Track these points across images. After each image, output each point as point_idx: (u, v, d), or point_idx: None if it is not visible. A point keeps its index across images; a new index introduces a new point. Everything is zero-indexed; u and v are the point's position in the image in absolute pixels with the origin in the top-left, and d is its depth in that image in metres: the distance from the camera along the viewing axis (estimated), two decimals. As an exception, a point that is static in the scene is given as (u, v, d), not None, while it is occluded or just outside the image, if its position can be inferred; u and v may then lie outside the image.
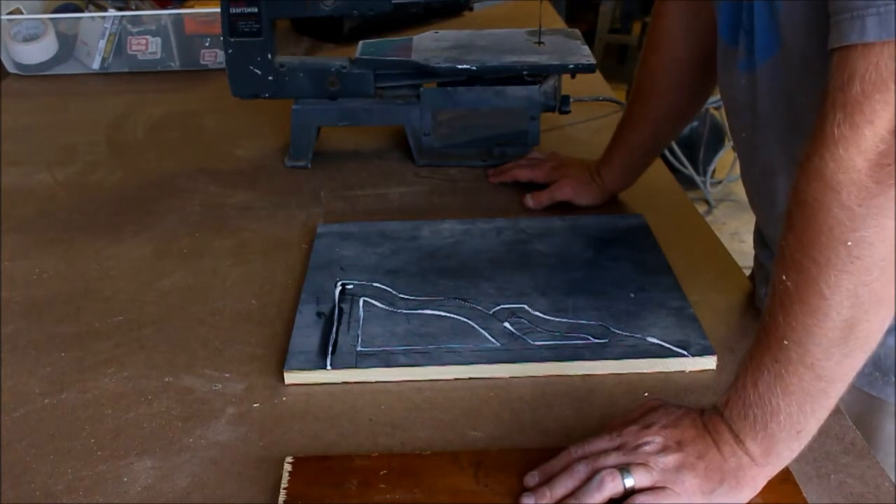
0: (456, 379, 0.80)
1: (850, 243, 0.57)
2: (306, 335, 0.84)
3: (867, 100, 0.56)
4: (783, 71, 0.74)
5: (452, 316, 0.87)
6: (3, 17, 1.64)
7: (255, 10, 1.16)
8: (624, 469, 0.63)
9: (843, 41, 0.58)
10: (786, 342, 0.61)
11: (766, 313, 0.63)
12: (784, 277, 0.61)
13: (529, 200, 1.10)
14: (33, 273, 0.99)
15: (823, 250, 0.58)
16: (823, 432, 0.65)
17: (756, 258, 0.94)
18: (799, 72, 0.72)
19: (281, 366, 0.81)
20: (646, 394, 0.77)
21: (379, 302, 0.89)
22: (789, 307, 0.60)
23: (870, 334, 0.60)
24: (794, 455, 0.63)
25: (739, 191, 3.19)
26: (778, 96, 0.75)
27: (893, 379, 0.78)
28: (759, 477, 0.63)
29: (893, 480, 0.68)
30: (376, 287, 0.92)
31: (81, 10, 1.72)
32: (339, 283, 0.92)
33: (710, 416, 0.65)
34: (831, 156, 0.57)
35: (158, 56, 1.66)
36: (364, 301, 0.89)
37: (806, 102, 0.72)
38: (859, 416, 0.79)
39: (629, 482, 0.63)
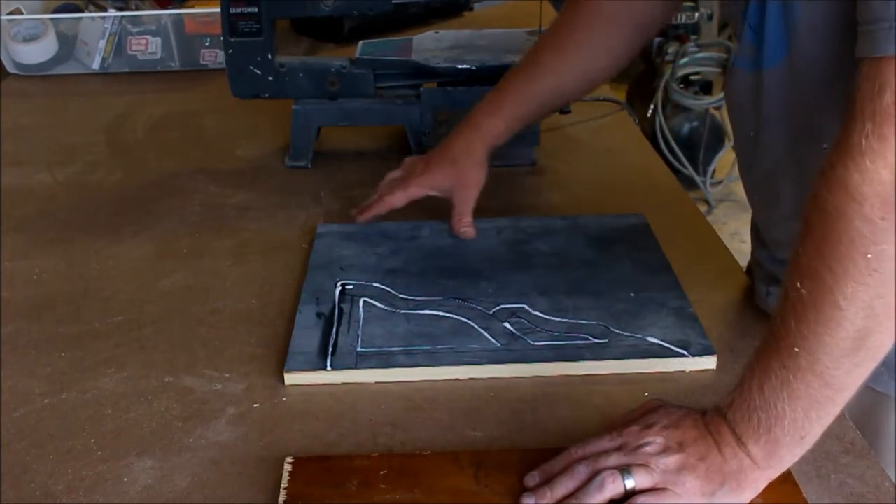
0: (456, 379, 0.80)
1: (870, 256, 0.57)
2: (306, 336, 0.84)
3: None
4: (793, 75, 0.73)
5: (452, 316, 0.86)
6: (3, 17, 1.64)
7: (255, 10, 1.16)
8: (625, 470, 0.63)
9: (876, 51, 0.57)
10: (796, 349, 0.60)
11: (776, 318, 0.62)
12: (798, 285, 0.60)
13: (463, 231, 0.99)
14: (33, 273, 0.99)
15: (842, 261, 0.57)
16: (823, 432, 0.65)
17: (753, 256, 0.94)
18: (811, 77, 0.71)
19: (281, 366, 0.81)
20: (646, 394, 0.77)
21: (379, 302, 0.89)
22: (802, 315, 0.60)
23: (881, 345, 0.59)
24: (797, 459, 0.63)
25: (739, 191, 3.18)
26: (786, 100, 0.75)
27: None
28: (761, 480, 0.63)
29: (894, 479, 0.68)
30: (376, 287, 0.91)
31: (81, 10, 1.72)
32: (339, 284, 0.92)
33: (712, 418, 0.65)
34: (856, 166, 0.57)
35: (158, 56, 1.66)
36: (364, 301, 0.89)
37: (816, 107, 0.71)
38: (865, 413, 0.79)
39: (630, 483, 0.62)
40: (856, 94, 0.58)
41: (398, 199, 1.01)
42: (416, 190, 1.01)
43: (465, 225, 0.99)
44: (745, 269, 0.98)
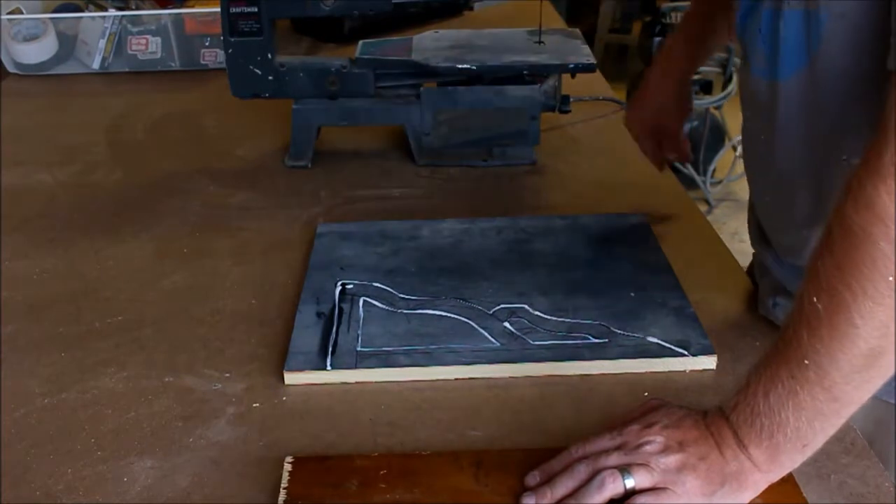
0: (456, 379, 0.80)
1: (891, 278, 0.56)
2: (306, 335, 0.84)
3: None
4: (814, 85, 0.71)
5: (452, 316, 0.86)
6: (3, 17, 1.64)
7: (255, 9, 1.16)
8: (625, 469, 0.63)
9: None
10: (806, 362, 0.59)
11: (788, 328, 0.62)
12: (815, 299, 0.59)
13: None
14: (33, 273, 0.99)
15: (862, 280, 0.57)
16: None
17: (758, 262, 0.93)
18: (833, 87, 0.70)
19: (281, 366, 0.81)
20: (646, 394, 0.77)
21: (379, 302, 0.89)
22: (816, 329, 0.59)
23: (892, 364, 0.59)
24: (797, 465, 0.63)
25: (739, 191, 3.19)
26: (805, 110, 0.73)
27: None
28: (761, 482, 0.63)
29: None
30: (376, 287, 0.91)
31: (81, 10, 1.72)
32: (339, 283, 0.92)
33: (713, 418, 0.65)
34: (886, 188, 0.56)
35: (158, 56, 1.66)
36: (364, 301, 0.89)
37: (837, 117, 0.70)
38: (877, 426, 0.78)
39: (630, 483, 0.62)
40: (887, 111, 0.57)
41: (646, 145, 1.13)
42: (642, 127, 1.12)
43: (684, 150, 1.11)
44: (746, 270, 0.98)
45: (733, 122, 3.06)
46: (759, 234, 0.91)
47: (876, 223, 0.56)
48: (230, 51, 1.19)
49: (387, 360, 0.80)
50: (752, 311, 0.89)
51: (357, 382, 0.80)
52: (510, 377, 0.80)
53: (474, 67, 1.18)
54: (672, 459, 0.63)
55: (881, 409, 0.79)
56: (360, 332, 0.84)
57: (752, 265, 0.96)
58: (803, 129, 0.75)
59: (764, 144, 0.80)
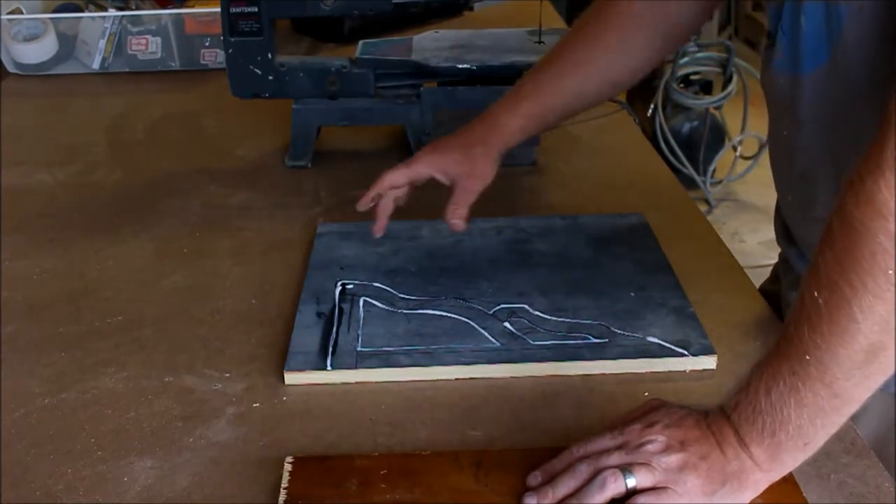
0: (456, 379, 0.80)
1: (890, 272, 0.56)
2: (306, 335, 0.84)
3: None
4: (835, 80, 0.71)
5: (452, 316, 0.86)
6: (3, 17, 1.64)
7: (255, 9, 1.16)
8: (626, 469, 0.63)
9: None
10: (807, 357, 0.59)
11: (790, 324, 0.62)
12: (816, 294, 0.59)
13: (454, 222, 0.92)
14: (33, 273, 0.99)
15: (862, 275, 0.57)
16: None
17: (784, 261, 0.91)
18: (855, 82, 0.69)
19: (281, 366, 0.81)
20: (646, 394, 0.77)
21: (379, 302, 0.89)
22: (817, 324, 0.59)
23: (892, 360, 0.59)
24: (798, 464, 0.63)
25: (739, 191, 3.18)
26: (825, 105, 0.73)
27: None
28: (762, 481, 0.63)
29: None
30: (376, 287, 0.91)
31: (81, 10, 1.72)
32: (339, 283, 0.92)
33: (714, 418, 0.64)
34: (886, 182, 0.56)
35: (158, 56, 1.66)
36: (364, 301, 0.89)
37: (859, 113, 0.70)
38: (885, 422, 0.78)
39: (631, 482, 0.62)
40: (889, 108, 0.57)
41: (399, 175, 0.93)
42: (422, 168, 0.93)
43: (459, 216, 0.91)
44: (768, 278, 0.96)
45: (733, 122, 3.06)
46: (783, 231, 0.90)
47: (876, 217, 0.56)
48: (230, 51, 1.19)
49: (387, 360, 0.80)
50: (752, 310, 0.89)
51: (357, 382, 0.80)
52: (510, 377, 0.80)
53: (474, 67, 1.18)
54: (673, 459, 0.63)
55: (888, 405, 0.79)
56: (360, 332, 0.84)
57: (774, 268, 0.96)
58: (824, 124, 0.74)
59: (786, 140, 0.80)
